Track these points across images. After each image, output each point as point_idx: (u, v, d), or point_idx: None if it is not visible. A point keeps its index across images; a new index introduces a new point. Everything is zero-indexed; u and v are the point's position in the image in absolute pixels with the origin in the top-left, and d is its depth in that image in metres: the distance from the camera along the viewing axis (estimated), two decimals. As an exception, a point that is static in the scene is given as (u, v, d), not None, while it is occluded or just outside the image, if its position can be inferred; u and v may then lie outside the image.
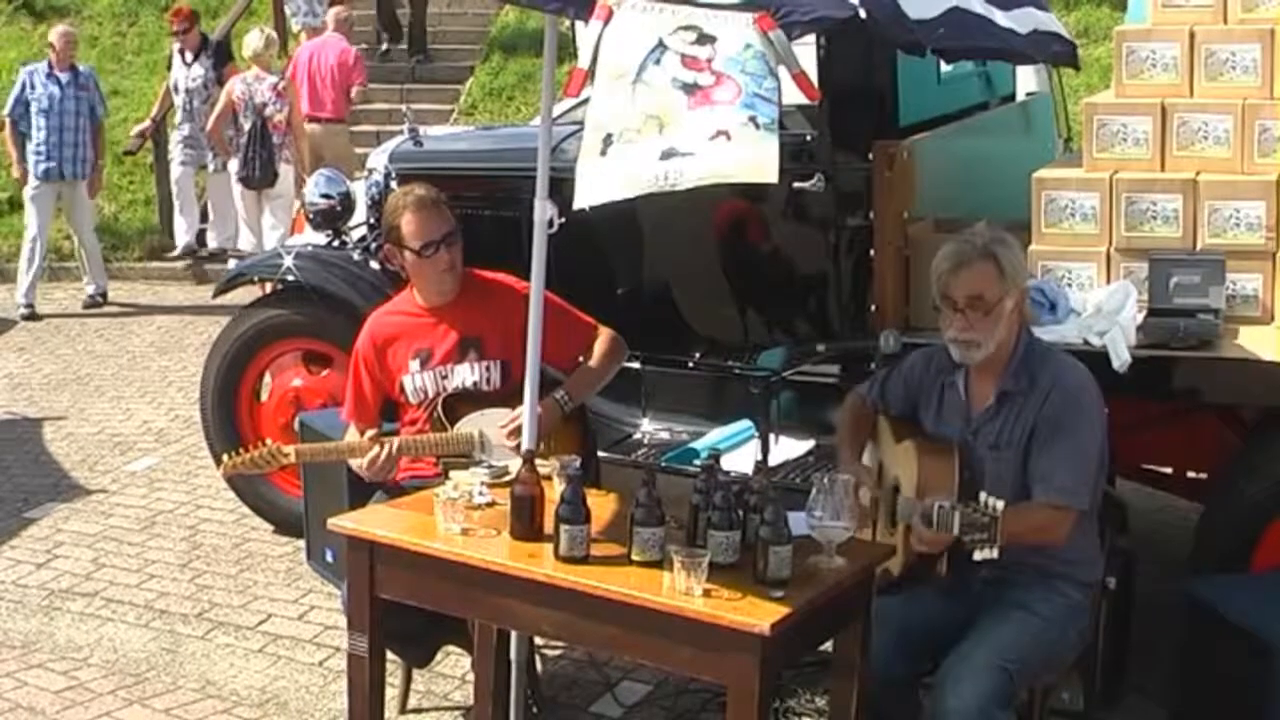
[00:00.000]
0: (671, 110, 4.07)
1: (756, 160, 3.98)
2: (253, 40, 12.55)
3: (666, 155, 4.03)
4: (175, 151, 13.85)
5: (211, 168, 13.43)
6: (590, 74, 4.28)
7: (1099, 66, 12.54)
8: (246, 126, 12.21)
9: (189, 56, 13.52)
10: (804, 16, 4.17)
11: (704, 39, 4.13)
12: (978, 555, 4.14)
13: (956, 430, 4.63)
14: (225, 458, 5.17)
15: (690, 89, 4.08)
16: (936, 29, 4.73)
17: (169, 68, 14.11)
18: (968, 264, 4.51)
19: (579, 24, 4.77)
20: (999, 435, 4.56)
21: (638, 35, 4.18)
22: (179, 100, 13.65)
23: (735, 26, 4.12)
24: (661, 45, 4.14)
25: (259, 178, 12.26)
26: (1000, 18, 5.18)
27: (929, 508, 4.25)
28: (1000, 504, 4.11)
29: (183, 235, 14.09)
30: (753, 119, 4.01)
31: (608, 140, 4.13)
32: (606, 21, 4.23)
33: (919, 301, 5.73)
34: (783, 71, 4.10)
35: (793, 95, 4.25)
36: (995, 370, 4.59)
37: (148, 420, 9.69)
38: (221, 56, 13.88)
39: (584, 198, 4.15)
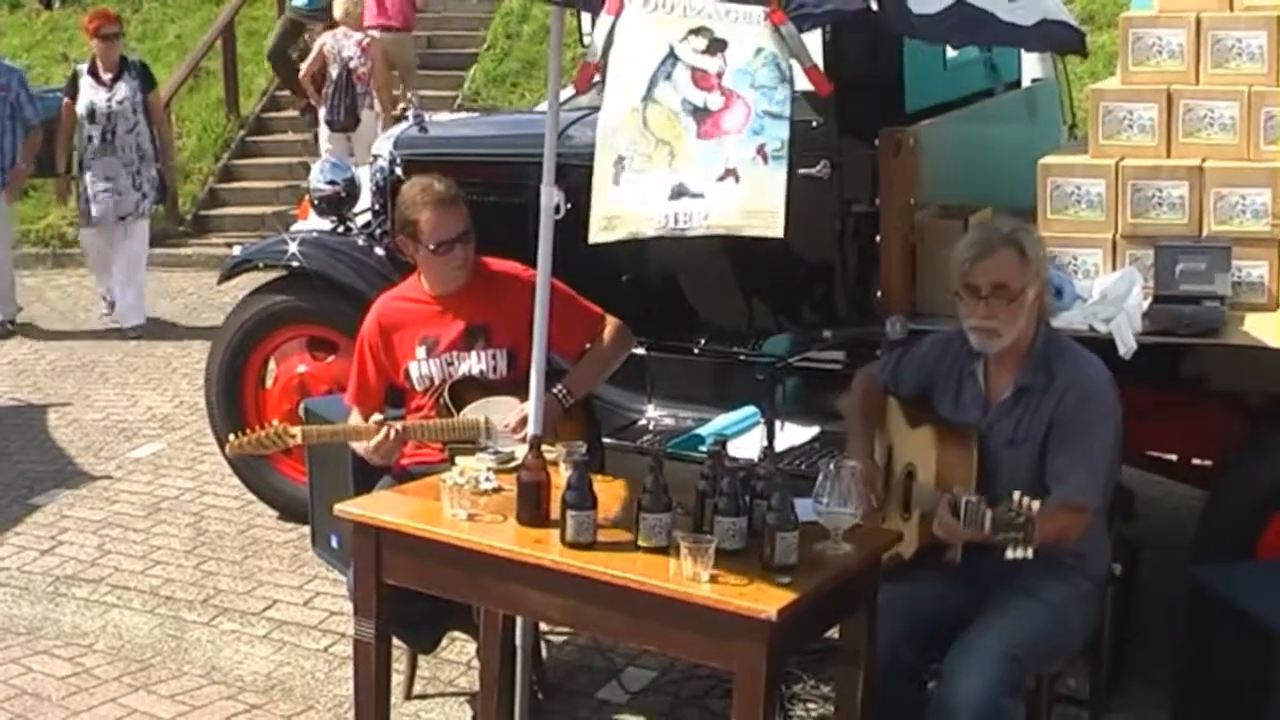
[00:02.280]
0: (681, 137, 4.11)
1: (764, 211, 4.04)
2: (341, 2, 13.52)
3: (677, 194, 4.09)
4: (95, 196, 11.46)
5: (139, 210, 11.61)
6: (600, 69, 4.28)
7: (1104, 53, 12.50)
8: (334, 76, 13.31)
9: (106, 76, 11.41)
10: (815, 9, 4.16)
11: (715, 45, 4.14)
12: (1010, 554, 4.07)
13: (973, 420, 4.63)
14: (231, 438, 5.18)
15: (700, 115, 4.10)
16: (942, 25, 4.73)
17: (72, 94, 11.53)
18: (992, 251, 4.52)
19: (585, 13, 4.76)
20: (1015, 430, 4.56)
21: (649, 40, 4.18)
22: (90, 130, 11.41)
23: (747, 24, 4.12)
24: (672, 56, 4.15)
25: (343, 121, 13.31)
26: (1004, 11, 5.17)
27: (957, 499, 4.22)
28: (1036, 504, 4.04)
29: (133, 308, 11.75)
30: (760, 150, 4.04)
31: (619, 165, 4.17)
32: (617, 15, 4.23)
33: (925, 288, 5.72)
34: (794, 66, 4.11)
35: (802, 86, 4.25)
36: (1014, 363, 4.60)
37: (152, 407, 9.70)
38: (147, 79, 11.73)
39: (596, 235, 4.20)
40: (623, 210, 4.19)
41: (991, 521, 4.08)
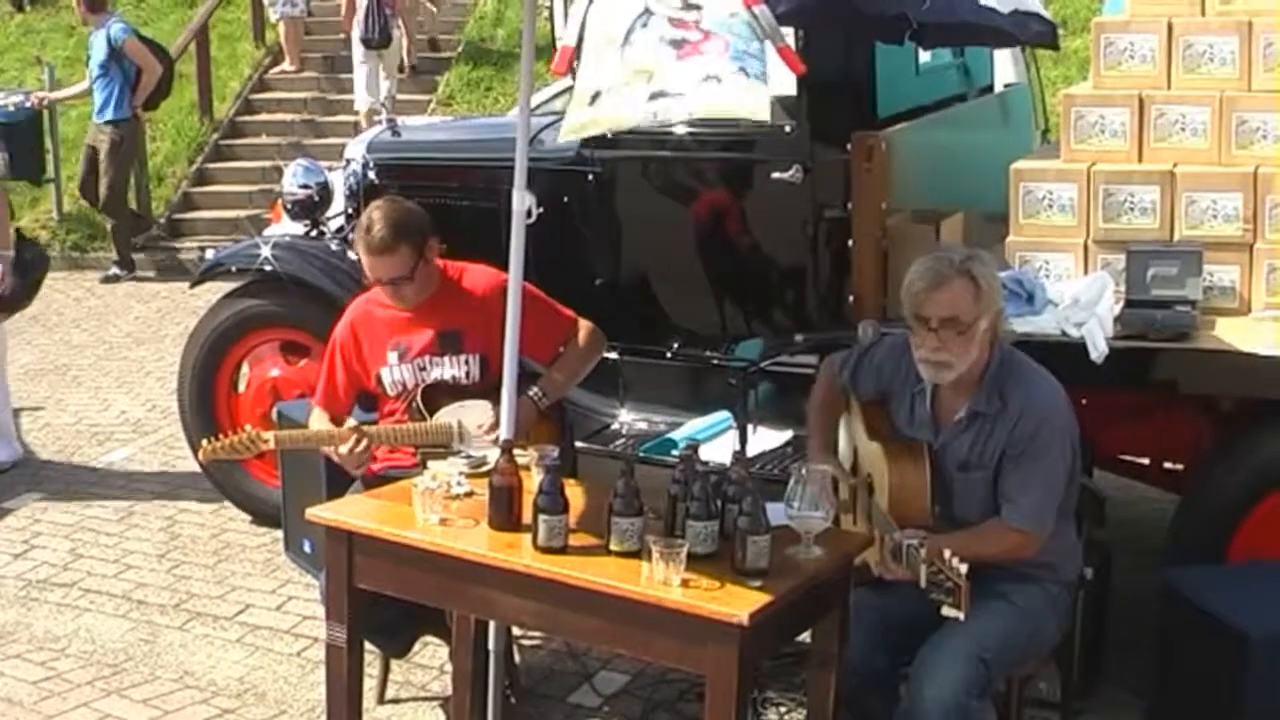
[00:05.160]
0: (661, 63, 4.11)
1: (748, 101, 4.04)
2: None
3: (655, 96, 4.08)
4: None
5: None
6: (577, 51, 4.29)
7: (1077, 58, 12.58)
8: (366, 2, 15.05)
9: None
10: None
11: (690, 6, 4.16)
12: (945, 612, 4.07)
13: (926, 439, 4.59)
14: (204, 442, 5.13)
15: (679, 44, 4.11)
16: (924, 1, 4.76)
17: None
18: (945, 283, 4.40)
19: (558, 13, 4.77)
20: (969, 454, 4.52)
21: (624, 5, 4.20)
22: None
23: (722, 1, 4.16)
24: (648, 11, 4.16)
25: (377, 39, 15.11)
26: None
27: (898, 543, 4.21)
28: (965, 568, 3.99)
29: None
30: (743, 69, 4.07)
31: (596, 95, 4.17)
32: (591, 1, 4.25)
33: (897, 293, 5.69)
34: (768, 47, 4.14)
35: (776, 75, 4.26)
36: (966, 387, 4.52)
37: (125, 411, 9.67)
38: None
39: (568, 134, 4.23)
40: (599, 116, 4.22)
41: (925, 578, 4.07)
